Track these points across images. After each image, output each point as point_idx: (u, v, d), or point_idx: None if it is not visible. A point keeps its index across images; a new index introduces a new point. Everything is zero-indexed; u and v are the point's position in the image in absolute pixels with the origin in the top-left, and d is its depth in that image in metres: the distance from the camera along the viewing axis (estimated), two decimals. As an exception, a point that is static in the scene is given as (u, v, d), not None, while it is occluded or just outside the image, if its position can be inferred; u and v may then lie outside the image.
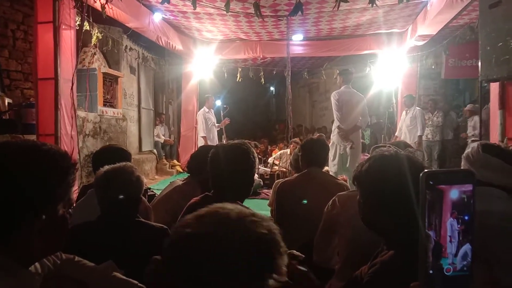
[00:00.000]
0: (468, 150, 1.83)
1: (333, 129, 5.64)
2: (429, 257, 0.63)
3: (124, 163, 1.82)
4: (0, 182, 0.85)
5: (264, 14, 5.98)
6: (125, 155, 2.41)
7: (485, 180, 1.63)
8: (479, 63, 3.25)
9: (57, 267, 1.25)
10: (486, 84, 4.35)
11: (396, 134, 7.84)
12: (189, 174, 2.89)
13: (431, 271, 0.63)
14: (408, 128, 7.35)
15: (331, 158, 5.36)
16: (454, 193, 0.63)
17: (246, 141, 1.89)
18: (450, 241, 0.64)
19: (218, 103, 8.87)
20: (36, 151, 0.92)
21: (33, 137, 4.78)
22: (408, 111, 7.44)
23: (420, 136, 7.32)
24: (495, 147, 1.77)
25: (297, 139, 7.35)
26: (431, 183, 0.62)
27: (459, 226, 0.64)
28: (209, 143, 7.42)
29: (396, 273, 1.10)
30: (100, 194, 1.75)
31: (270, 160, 8.14)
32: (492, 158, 1.69)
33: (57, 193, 0.93)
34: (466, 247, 0.64)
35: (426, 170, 0.63)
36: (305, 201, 2.44)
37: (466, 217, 0.64)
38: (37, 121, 4.57)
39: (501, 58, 2.91)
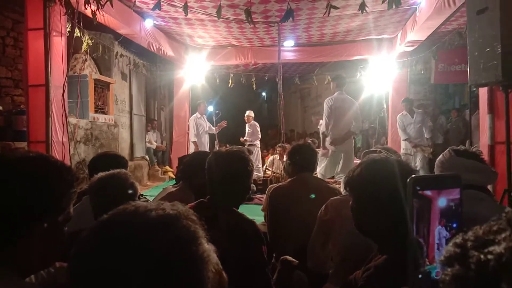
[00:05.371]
0: (440, 157, 1.88)
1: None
2: (418, 263, 0.64)
3: (118, 169, 1.82)
4: (9, 189, 0.89)
5: (256, 20, 6.00)
6: (121, 162, 2.41)
7: (465, 183, 1.67)
8: (468, 69, 3.31)
9: (52, 275, 1.24)
10: (475, 89, 4.42)
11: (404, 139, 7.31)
12: (178, 180, 2.88)
13: (420, 276, 0.65)
14: (418, 132, 7.05)
15: (321, 161, 5.41)
16: (442, 201, 0.64)
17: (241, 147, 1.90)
18: (438, 249, 0.65)
19: (210, 109, 8.88)
20: (44, 162, 0.97)
21: (24, 144, 4.75)
22: (414, 114, 7.09)
23: (429, 139, 7.18)
24: (465, 150, 1.83)
25: (282, 144, 7.34)
26: (418, 188, 0.63)
27: (447, 233, 0.64)
28: (199, 149, 7.44)
29: (389, 277, 1.11)
30: (94, 201, 1.75)
31: (264, 168, 8.16)
32: (467, 161, 1.74)
33: (60, 204, 0.97)
34: None
35: (413, 176, 0.64)
36: (313, 196, 2.43)
37: (454, 225, 0.65)
38: (28, 128, 4.54)
39: (488, 63, 2.96)
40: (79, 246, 0.62)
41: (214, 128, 8.36)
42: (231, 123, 9.06)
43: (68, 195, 0.99)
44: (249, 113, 9.06)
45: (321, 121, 5.91)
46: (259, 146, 9.15)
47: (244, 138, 9.01)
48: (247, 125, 9.05)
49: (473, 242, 0.44)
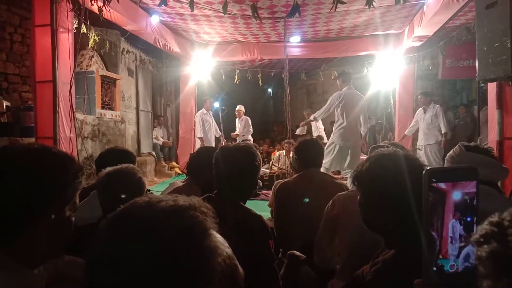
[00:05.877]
0: (450, 152, 1.87)
1: (334, 129, 5.69)
2: (432, 256, 0.63)
3: (126, 165, 1.82)
4: (14, 182, 0.89)
5: (262, 16, 5.98)
6: (129, 157, 2.42)
7: None
8: (476, 64, 3.27)
9: (60, 269, 1.25)
10: (483, 84, 4.37)
11: (405, 133, 7.47)
12: (188, 176, 2.89)
13: (434, 268, 0.64)
14: (429, 127, 7.03)
15: (327, 155, 5.42)
16: (456, 195, 0.63)
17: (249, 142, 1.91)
18: (451, 243, 0.63)
19: (216, 105, 8.90)
20: (46, 153, 0.97)
21: (31, 140, 4.79)
22: (427, 109, 7.09)
23: (446, 133, 7.03)
24: (475, 145, 1.83)
25: (288, 140, 7.33)
26: (434, 180, 0.62)
27: (461, 227, 0.63)
28: (206, 145, 7.47)
29: (398, 272, 1.11)
30: (102, 195, 1.76)
31: (270, 164, 8.17)
32: (478, 155, 1.73)
33: (66, 195, 0.97)
34: (469, 248, 0.64)
35: (428, 168, 0.63)
36: (306, 200, 2.44)
37: (469, 219, 0.64)
38: (36, 124, 4.56)
39: (498, 58, 2.93)
40: (95, 237, 0.64)
41: (220, 132, 8.43)
42: (236, 119, 9.07)
43: (73, 185, 0.98)
44: (240, 107, 9.11)
45: (312, 116, 6.01)
46: (252, 141, 9.18)
47: (235, 133, 9.02)
48: (237, 119, 9.05)
49: (510, 221, 0.44)
